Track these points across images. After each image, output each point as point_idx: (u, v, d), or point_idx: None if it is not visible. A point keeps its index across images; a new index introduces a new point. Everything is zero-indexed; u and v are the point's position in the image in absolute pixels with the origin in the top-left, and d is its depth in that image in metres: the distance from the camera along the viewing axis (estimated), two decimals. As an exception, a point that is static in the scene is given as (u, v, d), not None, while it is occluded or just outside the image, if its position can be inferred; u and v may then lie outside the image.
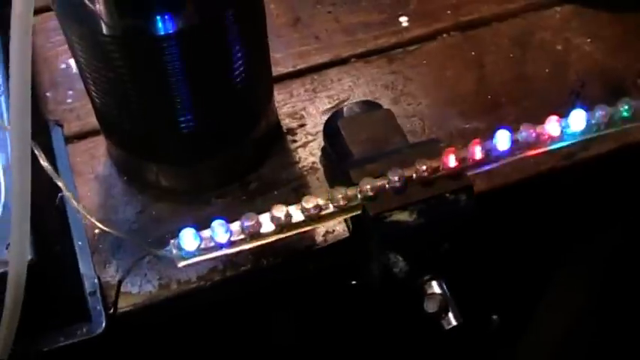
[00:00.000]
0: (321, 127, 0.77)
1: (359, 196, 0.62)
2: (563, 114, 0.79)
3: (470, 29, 0.85)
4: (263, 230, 0.60)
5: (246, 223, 0.59)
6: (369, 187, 0.61)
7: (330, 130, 0.69)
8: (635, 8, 0.88)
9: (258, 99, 0.71)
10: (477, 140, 0.63)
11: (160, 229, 0.70)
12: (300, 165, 0.75)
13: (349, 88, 0.80)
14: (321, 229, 0.70)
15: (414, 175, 0.62)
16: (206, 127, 0.66)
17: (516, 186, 0.74)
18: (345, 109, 0.70)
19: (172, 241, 0.60)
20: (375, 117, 0.68)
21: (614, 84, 0.82)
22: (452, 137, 0.77)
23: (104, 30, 0.57)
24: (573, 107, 0.79)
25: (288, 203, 0.62)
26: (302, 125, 0.78)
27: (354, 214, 0.62)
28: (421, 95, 0.80)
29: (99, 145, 0.72)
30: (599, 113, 0.66)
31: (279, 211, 0.60)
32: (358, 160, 0.65)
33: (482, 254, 0.65)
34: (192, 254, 0.60)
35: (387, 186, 0.61)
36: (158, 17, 0.56)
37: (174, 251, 0.60)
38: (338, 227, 0.71)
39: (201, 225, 0.60)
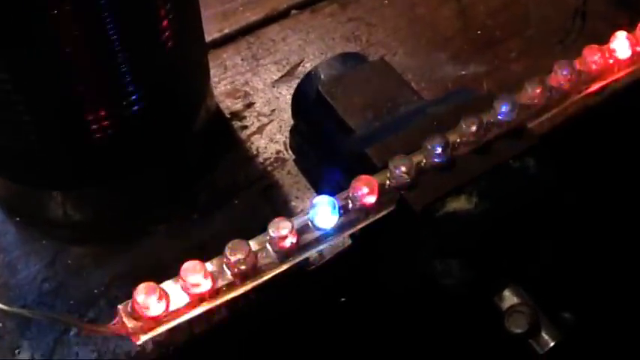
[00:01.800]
0: (275, 104, 0.56)
1: (388, 183, 0.40)
2: (572, 40, 0.61)
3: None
4: (263, 262, 0.38)
5: (235, 258, 0.37)
6: (403, 168, 0.40)
7: (305, 102, 0.48)
8: None
9: (191, 80, 0.49)
10: (540, 77, 0.43)
11: (83, 284, 0.47)
12: (260, 158, 0.54)
13: (299, 48, 0.59)
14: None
15: (459, 141, 0.42)
16: (125, 129, 0.43)
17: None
18: (320, 69, 0.49)
19: (121, 307, 0.37)
20: (367, 72, 0.47)
21: (621, -3, 0.65)
22: (449, 90, 0.57)
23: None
24: (581, 31, 0.61)
25: (260, 216, 0.44)
26: (249, 105, 0.56)
27: (385, 212, 0.41)
28: (395, 43, 0.60)
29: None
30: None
31: (281, 228, 0.38)
32: (367, 134, 0.44)
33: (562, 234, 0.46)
34: (158, 323, 0.37)
35: (425, 163, 0.41)
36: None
37: (128, 321, 0.37)
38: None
39: (141, 268, 0.42)
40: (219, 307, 0.40)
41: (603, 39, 0.55)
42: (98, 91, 0.44)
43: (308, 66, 0.59)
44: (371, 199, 0.40)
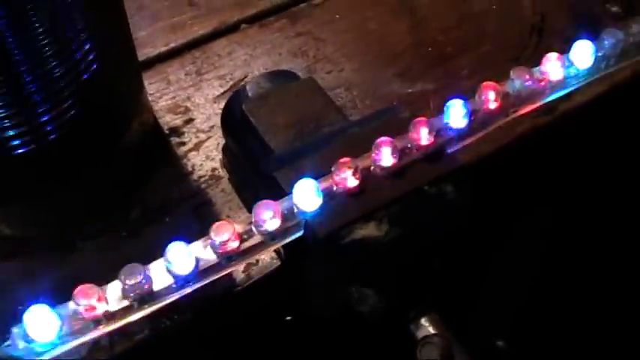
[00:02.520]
0: (215, 121, 0.55)
1: (296, 209, 0.39)
2: (527, 57, 0.60)
3: (391, -34, 0.65)
4: (158, 287, 0.37)
5: (129, 282, 0.36)
6: (310, 193, 0.38)
7: (232, 119, 0.47)
8: None
9: (121, 92, 0.48)
10: (458, 101, 0.41)
11: (9, 300, 0.46)
12: (195, 175, 0.53)
13: (245, 63, 0.58)
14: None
15: (372, 166, 0.40)
16: (48, 145, 0.42)
17: (494, 156, 0.54)
18: (248, 86, 0.48)
19: (15, 329, 0.36)
20: (294, 90, 0.46)
21: (580, 12, 0.64)
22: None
23: None
24: (537, 48, 0.60)
25: (189, 234, 0.40)
26: (189, 121, 0.55)
27: (291, 238, 0.39)
28: (342, 58, 0.58)
29: None
30: (608, 41, 0.46)
31: (178, 254, 0.37)
32: (283, 155, 0.43)
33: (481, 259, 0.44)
34: (51, 345, 0.36)
35: (335, 188, 0.40)
36: None
37: (20, 344, 0.36)
38: (264, 255, 0.48)
39: (68, 285, 0.39)
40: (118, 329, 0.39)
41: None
42: (17, 107, 0.43)
43: (252, 81, 0.58)
44: (274, 225, 0.39)
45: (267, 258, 0.50)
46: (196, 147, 0.55)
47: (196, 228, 0.52)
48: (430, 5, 0.63)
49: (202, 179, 0.54)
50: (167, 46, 0.60)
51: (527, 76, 0.44)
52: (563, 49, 0.54)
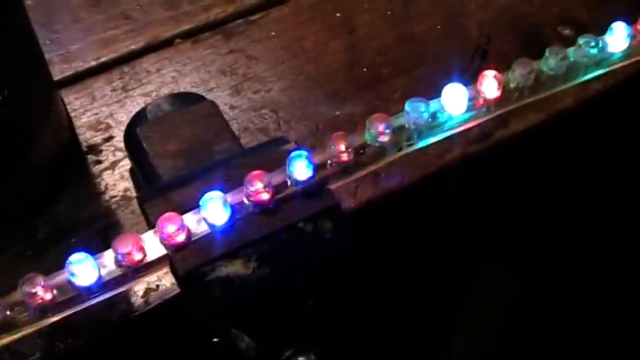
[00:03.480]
0: (134, 139, 0.53)
1: (163, 244, 0.38)
2: (470, 80, 0.57)
3: (333, -17, 0.63)
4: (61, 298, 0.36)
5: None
6: (172, 229, 0.37)
7: (131, 141, 0.45)
8: None
9: (27, 111, 0.47)
10: (340, 133, 0.40)
11: None
12: (107, 195, 0.52)
13: (172, 80, 0.56)
14: (140, 285, 0.46)
15: (246, 200, 0.39)
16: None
17: (409, 189, 0.52)
18: (149, 108, 0.46)
19: None
20: (191, 115, 0.45)
21: (530, 35, 0.61)
22: (319, 131, 0.54)
23: None
24: (479, 71, 0.57)
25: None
26: (108, 139, 0.54)
27: (157, 273, 0.38)
28: (272, 78, 0.57)
29: None
30: (519, 72, 0.44)
31: (35, 283, 0.36)
32: (160, 186, 0.41)
33: (365, 301, 0.42)
34: None
35: (204, 222, 0.38)
36: None
37: None
38: (165, 280, 0.47)
39: None
40: None
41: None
42: None
43: (177, 99, 0.57)
44: (137, 257, 0.38)
45: (167, 284, 0.49)
46: (112, 166, 0.54)
47: (102, 250, 0.50)
48: (370, 24, 0.61)
49: (114, 200, 0.52)
50: (98, 60, 0.59)
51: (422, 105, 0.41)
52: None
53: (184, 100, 0.48)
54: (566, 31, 0.62)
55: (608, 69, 0.50)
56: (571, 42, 0.60)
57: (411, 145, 0.42)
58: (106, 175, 0.54)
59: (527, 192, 0.66)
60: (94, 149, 0.55)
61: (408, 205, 0.56)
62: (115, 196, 0.53)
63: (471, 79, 0.58)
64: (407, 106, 0.42)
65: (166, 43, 0.60)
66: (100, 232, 0.51)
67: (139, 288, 0.48)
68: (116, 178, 0.53)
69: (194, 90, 0.57)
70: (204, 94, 0.57)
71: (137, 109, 0.57)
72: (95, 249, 0.51)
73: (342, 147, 0.40)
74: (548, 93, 0.48)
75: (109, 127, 0.56)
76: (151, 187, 0.42)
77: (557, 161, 0.65)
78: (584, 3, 0.64)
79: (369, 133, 0.41)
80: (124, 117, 0.56)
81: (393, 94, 0.57)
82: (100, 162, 0.54)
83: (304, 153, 0.39)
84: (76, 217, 0.52)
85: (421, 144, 0.43)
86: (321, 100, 0.57)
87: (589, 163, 0.68)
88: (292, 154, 0.39)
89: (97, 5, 0.62)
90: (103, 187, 0.53)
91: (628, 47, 0.49)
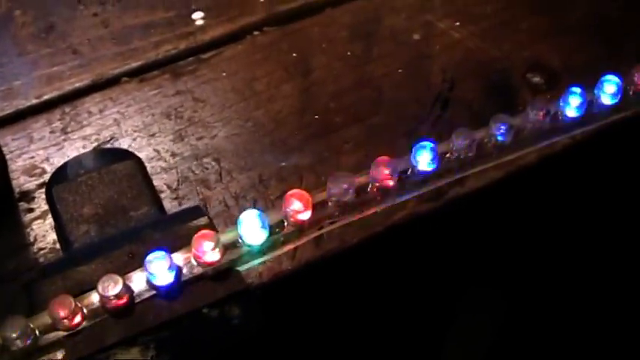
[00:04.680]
0: (71, 186, 0.50)
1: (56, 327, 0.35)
2: (429, 131, 0.54)
3: (291, 22, 0.60)
4: None
5: None
6: (62, 313, 0.34)
7: (49, 200, 0.43)
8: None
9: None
10: (253, 211, 0.37)
11: None
12: (35, 247, 0.49)
13: (114, 123, 0.54)
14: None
15: (148, 283, 0.36)
16: None
17: (353, 250, 0.49)
18: (70, 165, 0.43)
19: None
20: (110, 176, 0.42)
21: (496, 82, 0.58)
22: (262, 183, 0.51)
23: None
24: (438, 121, 0.55)
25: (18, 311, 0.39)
26: (42, 185, 0.52)
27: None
28: (218, 123, 0.54)
29: None
30: (458, 142, 0.41)
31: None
32: (75, 255, 0.39)
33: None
34: None
35: (102, 304, 0.35)
36: None
37: None
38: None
39: None
40: None
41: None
42: None
43: (118, 144, 0.54)
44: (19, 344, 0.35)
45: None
46: (43, 215, 0.51)
47: (26, 304, 0.48)
48: (327, 66, 0.58)
49: (42, 252, 0.50)
50: (40, 98, 0.57)
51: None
52: (470, 125, 0.49)
53: (108, 156, 0.45)
54: (536, 79, 0.59)
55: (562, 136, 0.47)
56: (540, 90, 0.57)
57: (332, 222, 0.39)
58: (36, 224, 0.51)
59: (496, 239, 0.63)
60: (27, 196, 0.53)
61: (356, 264, 0.53)
62: (44, 248, 0.51)
63: (430, 128, 0.55)
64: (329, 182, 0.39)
65: (113, 82, 0.57)
66: (25, 286, 0.49)
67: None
68: (46, 229, 0.51)
69: (136, 135, 0.55)
70: (145, 139, 0.55)
71: (75, 153, 0.54)
72: (14, 304, 0.49)
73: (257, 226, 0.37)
74: (493, 163, 0.44)
75: (44, 172, 0.54)
76: (48, 264, 0.39)
77: (523, 211, 0.62)
78: (556, 48, 0.60)
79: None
80: (61, 161, 0.54)
81: (344, 145, 0.54)
82: (31, 210, 0.52)
83: (210, 233, 0.36)
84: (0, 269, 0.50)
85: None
86: (267, 149, 0.54)
87: (560, 207, 0.65)
88: (199, 233, 0.36)
89: (45, 38, 0.60)
90: (32, 238, 0.51)
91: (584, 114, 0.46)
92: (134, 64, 0.58)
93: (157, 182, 0.53)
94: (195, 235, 0.36)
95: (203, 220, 0.39)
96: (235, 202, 0.52)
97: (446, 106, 0.57)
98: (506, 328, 0.84)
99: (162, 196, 0.52)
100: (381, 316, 0.66)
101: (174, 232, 0.38)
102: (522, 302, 0.82)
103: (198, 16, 0.61)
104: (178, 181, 0.53)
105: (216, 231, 0.38)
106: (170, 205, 0.52)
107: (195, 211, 0.41)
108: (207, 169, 0.53)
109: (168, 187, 0.52)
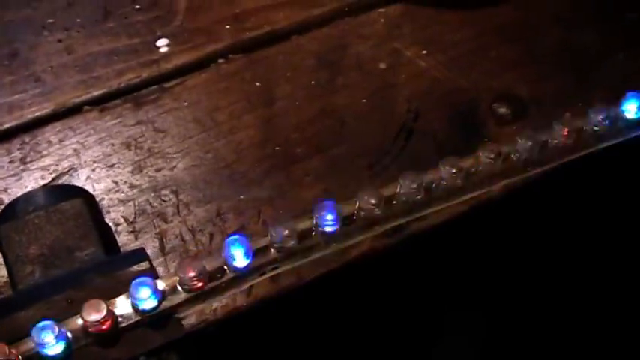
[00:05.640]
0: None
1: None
2: (384, 165, 0.54)
3: (257, 49, 0.59)
4: None
5: None
6: (-5, 362, 0.34)
7: (-3, 239, 0.42)
8: (488, 4, 0.62)
9: None
10: (189, 258, 0.36)
11: None
12: (-11, 282, 0.48)
13: (74, 153, 0.53)
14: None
15: (81, 329, 0.35)
16: None
17: (308, 287, 0.48)
18: (19, 202, 0.43)
19: None
20: (58, 215, 0.42)
21: (462, 112, 0.57)
22: (219, 217, 0.51)
23: None
24: (401, 153, 0.54)
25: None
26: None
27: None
28: (178, 154, 0.53)
29: None
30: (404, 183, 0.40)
31: None
32: (16, 298, 0.38)
33: None
34: None
35: (36, 352, 0.35)
36: None
37: None
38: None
39: None
40: None
41: (426, 164, 0.48)
42: None
43: (75, 175, 0.54)
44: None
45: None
46: (-2, 248, 0.50)
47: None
48: (291, 95, 0.58)
49: (-5, 286, 0.49)
50: (0, 126, 0.56)
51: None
52: (433, 158, 0.48)
53: (58, 194, 0.45)
54: (502, 109, 0.58)
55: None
56: (506, 121, 0.57)
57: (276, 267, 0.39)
58: (-10, 258, 0.50)
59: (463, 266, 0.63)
60: (-21, 230, 0.52)
61: (310, 300, 0.52)
62: (-3, 283, 0.50)
63: (393, 161, 0.54)
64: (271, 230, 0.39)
65: (74, 110, 0.57)
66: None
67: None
68: (1, 261, 0.50)
69: (95, 165, 0.55)
70: (104, 170, 0.54)
71: (34, 184, 0.54)
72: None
73: (192, 273, 0.36)
74: (445, 205, 0.44)
75: (1, 203, 0.53)
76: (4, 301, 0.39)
77: (486, 242, 0.61)
78: (524, 77, 0.60)
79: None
80: (19, 193, 0.53)
81: (304, 177, 0.54)
82: (-19, 247, 0.51)
83: (147, 279, 0.36)
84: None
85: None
86: (225, 182, 0.53)
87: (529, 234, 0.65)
88: (136, 280, 0.36)
89: (9, 65, 0.59)
90: (-15, 272, 0.50)
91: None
92: (96, 93, 0.58)
93: (114, 215, 0.52)
94: (133, 282, 0.36)
95: (144, 265, 0.38)
96: (192, 236, 0.51)
97: (410, 136, 0.56)
98: (488, 348, 0.84)
99: (119, 229, 0.52)
100: (351, 348, 0.66)
101: (114, 276, 0.38)
102: (502, 321, 0.82)
103: (162, 44, 0.60)
104: (135, 213, 0.52)
105: (156, 276, 0.38)
106: (126, 239, 0.51)
107: (138, 255, 0.40)
108: (165, 201, 0.53)
109: (125, 220, 0.52)
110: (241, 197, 0.53)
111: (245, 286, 0.40)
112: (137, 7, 0.63)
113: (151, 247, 0.51)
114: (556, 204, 0.61)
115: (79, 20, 0.62)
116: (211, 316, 0.48)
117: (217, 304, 0.48)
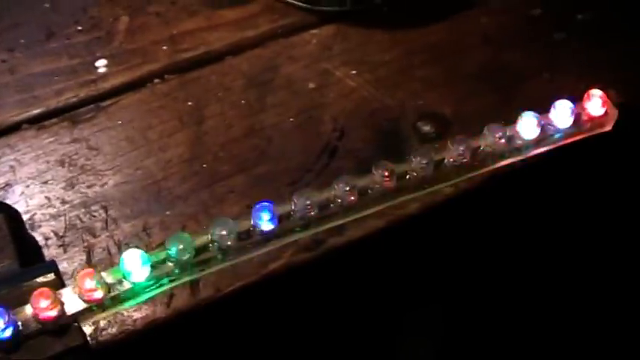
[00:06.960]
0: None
1: None
2: (305, 183, 0.56)
3: (192, 69, 0.62)
4: None
5: None
6: None
7: None
8: (416, 25, 0.65)
9: None
10: (88, 272, 0.39)
11: None
12: None
13: (10, 170, 0.56)
14: None
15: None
16: None
17: (227, 299, 0.51)
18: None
19: None
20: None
21: (387, 130, 0.60)
22: (145, 231, 0.53)
23: None
24: (324, 170, 0.56)
25: None
26: None
27: None
28: (109, 171, 0.56)
29: None
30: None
31: None
32: None
33: None
34: None
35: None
36: None
37: None
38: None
39: None
40: None
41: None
42: None
43: (10, 191, 0.56)
44: None
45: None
46: None
47: None
48: (221, 114, 0.60)
49: None
50: (-60, 147, 0.59)
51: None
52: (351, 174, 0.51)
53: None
54: (426, 128, 0.61)
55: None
56: (429, 139, 0.59)
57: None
58: None
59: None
60: None
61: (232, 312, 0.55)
62: None
63: (315, 178, 0.57)
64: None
65: (13, 128, 0.59)
66: None
67: None
68: None
69: (29, 182, 0.57)
70: (38, 186, 0.57)
71: (-31, 200, 0.56)
72: None
73: (91, 285, 0.39)
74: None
75: (-62, 219, 0.55)
76: None
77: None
78: (449, 96, 0.62)
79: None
80: (-45, 208, 0.56)
81: (228, 194, 0.56)
82: None
83: (46, 290, 0.38)
84: None
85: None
86: (153, 199, 0.56)
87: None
88: (37, 291, 0.38)
89: (-47, 85, 0.62)
90: None
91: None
92: (34, 112, 0.60)
93: (45, 229, 0.55)
94: (34, 293, 0.38)
95: (49, 277, 0.41)
96: (117, 249, 0.54)
97: (333, 154, 0.58)
98: (446, 347, 0.86)
99: (49, 243, 0.54)
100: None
101: (19, 288, 0.40)
102: (460, 321, 0.83)
103: (101, 64, 0.63)
104: (65, 228, 0.54)
105: (62, 286, 0.40)
106: (55, 252, 0.54)
107: (48, 268, 0.43)
108: (94, 216, 0.55)
109: (55, 234, 0.54)
110: (167, 213, 0.55)
111: (142, 299, 0.42)
112: (79, 28, 0.65)
113: (79, 260, 0.53)
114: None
115: (22, 41, 0.65)
116: (131, 326, 0.50)
117: (138, 315, 0.50)
